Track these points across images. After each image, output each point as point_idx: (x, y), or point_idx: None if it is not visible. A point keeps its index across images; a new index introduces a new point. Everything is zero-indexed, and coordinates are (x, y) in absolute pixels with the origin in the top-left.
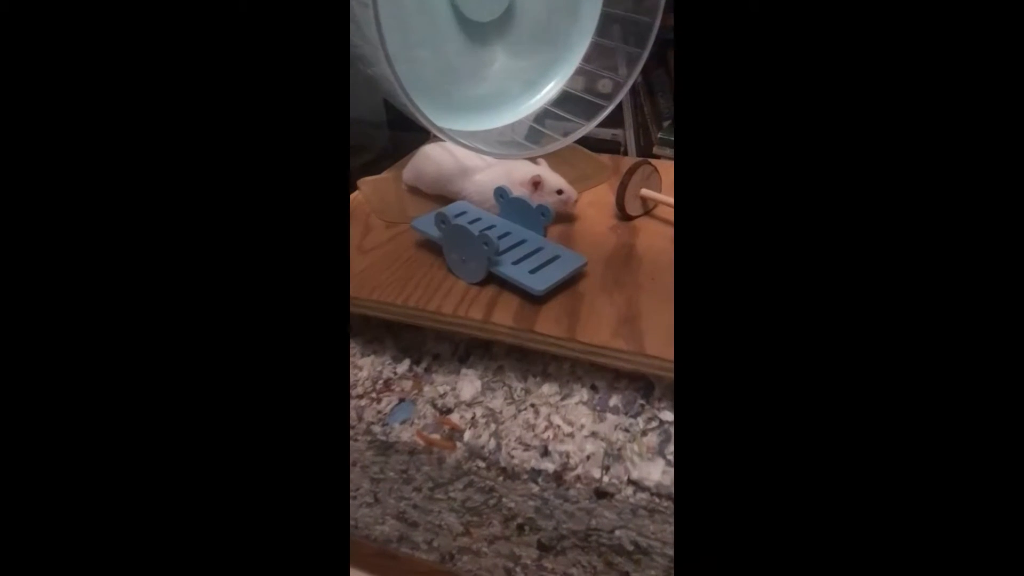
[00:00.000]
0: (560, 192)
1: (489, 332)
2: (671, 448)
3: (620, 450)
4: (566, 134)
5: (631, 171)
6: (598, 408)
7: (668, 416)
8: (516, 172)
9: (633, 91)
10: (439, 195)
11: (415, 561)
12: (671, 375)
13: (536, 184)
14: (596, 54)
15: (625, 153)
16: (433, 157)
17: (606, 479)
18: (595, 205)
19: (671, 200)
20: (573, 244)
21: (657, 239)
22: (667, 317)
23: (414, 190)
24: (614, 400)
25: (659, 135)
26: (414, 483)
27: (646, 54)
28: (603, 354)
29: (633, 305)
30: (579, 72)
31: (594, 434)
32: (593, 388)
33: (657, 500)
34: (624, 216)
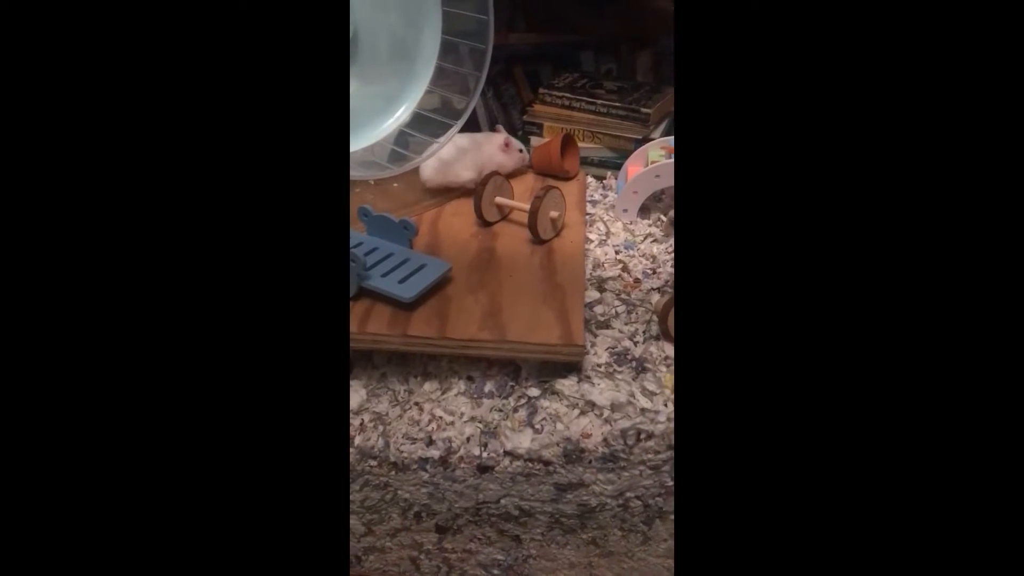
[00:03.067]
0: (520, 151)
1: (366, 342)
2: (537, 418)
3: (496, 428)
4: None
5: (483, 183)
6: (475, 395)
7: (534, 392)
8: (486, 145)
9: (487, 105)
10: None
11: None
12: (532, 356)
13: (507, 145)
14: (447, 75)
15: None
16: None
17: (485, 455)
18: (458, 215)
19: (521, 205)
20: (440, 252)
21: (513, 241)
22: (524, 307)
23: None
24: (489, 386)
25: None
26: None
27: (483, 77)
28: (471, 346)
29: (495, 300)
30: (435, 92)
31: (473, 419)
32: (469, 379)
33: (531, 465)
34: (484, 223)
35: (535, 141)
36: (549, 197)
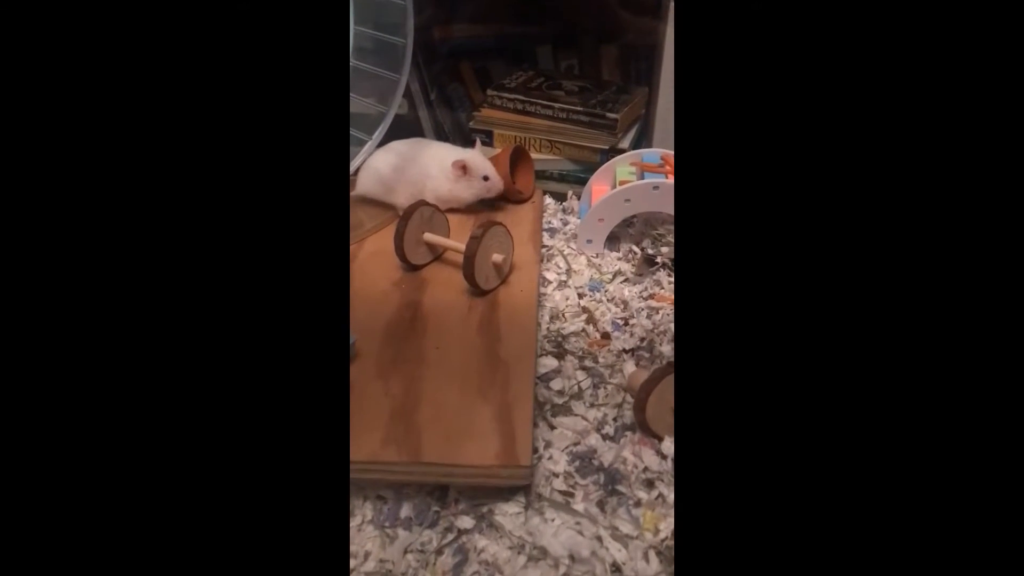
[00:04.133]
0: (486, 178)
1: None
2: (468, 569)
3: None
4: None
5: (407, 216)
6: (386, 524)
7: (466, 523)
8: (447, 158)
9: (431, 108)
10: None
11: None
12: (458, 481)
13: (463, 169)
14: (365, 77)
15: None
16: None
17: None
18: (379, 254)
19: (455, 245)
20: (350, 309)
21: (446, 292)
22: (452, 399)
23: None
24: (405, 510)
25: None
26: None
27: (403, 80)
28: (373, 470)
29: (413, 390)
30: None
31: (381, 565)
32: (380, 499)
33: None
34: (409, 267)
35: (485, 152)
36: (490, 236)
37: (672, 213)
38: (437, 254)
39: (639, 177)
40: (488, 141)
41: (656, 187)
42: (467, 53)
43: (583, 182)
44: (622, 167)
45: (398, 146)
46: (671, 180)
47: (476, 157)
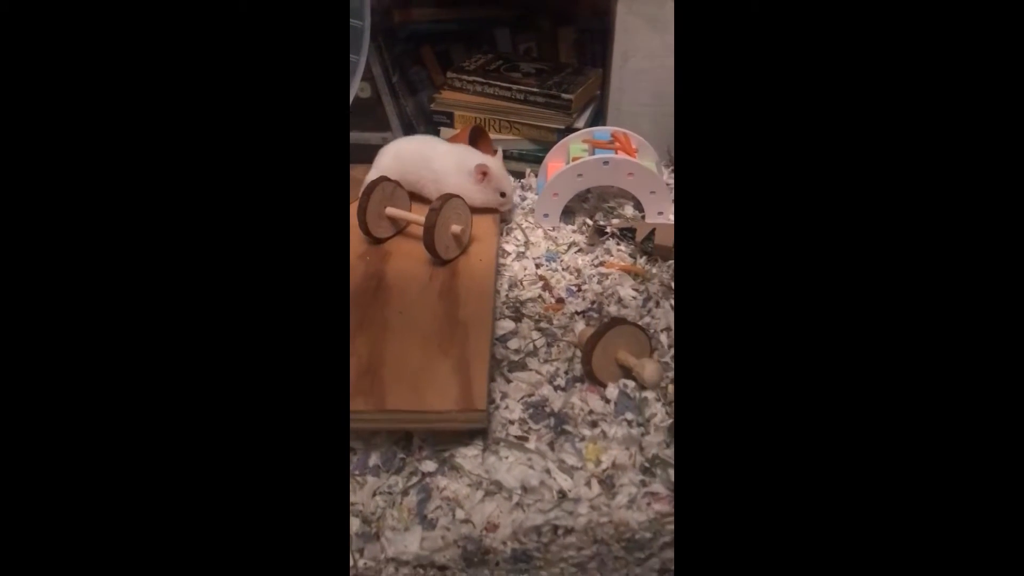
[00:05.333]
0: (503, 195)
1: None
2: (431, 505)
3: (378, 521)
4: None
5: (368, 191)
6: (356, 472)
7: (429, 467)
8: (468, 160)
9: (394, 92)
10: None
11: None
12: (420, 426)
13: (484, 174)
14: None
15: None
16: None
17: (362, 563)
18: None
19: (416, 218)
20: None
21: (408, 263)
22: (415, 357)
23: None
24: (374, 459)
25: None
26: None
27: (363, 59)
28: None
29: (377, 350)
30: None
31: (352, 507)
32: (350, 449)
33: (421, 571)
34: (373, 240)
35: (445, 133)
36: (448, 208)
37: (623, 187)
38: (400, 228)
39: (591, 153)
40: (449, 122)
41: (606, 162)
42: (428, 37)
43: (541, 161)
44: (575, 144)
45: (414, 139)
46: (621, 155)
47: (500, 169)
